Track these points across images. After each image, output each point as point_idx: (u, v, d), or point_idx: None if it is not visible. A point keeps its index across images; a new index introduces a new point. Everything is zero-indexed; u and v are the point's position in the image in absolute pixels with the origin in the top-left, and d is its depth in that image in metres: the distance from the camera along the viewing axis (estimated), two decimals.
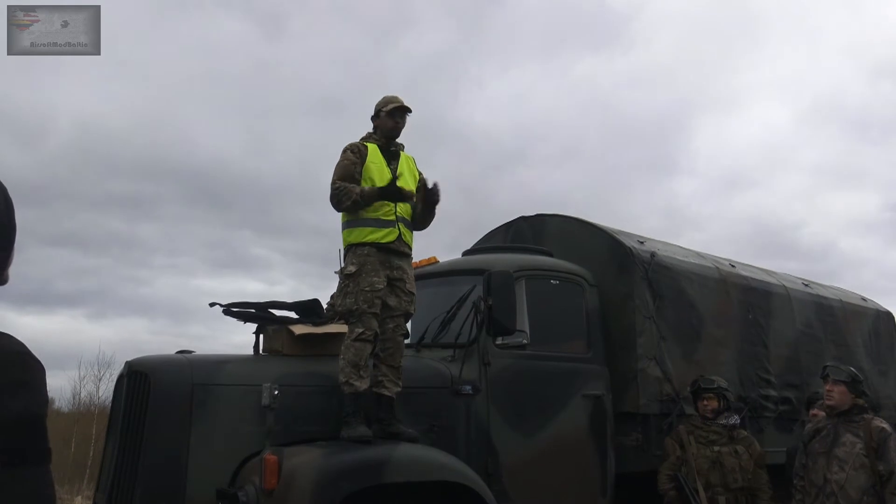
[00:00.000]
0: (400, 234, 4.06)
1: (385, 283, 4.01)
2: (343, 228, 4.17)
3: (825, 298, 7.09)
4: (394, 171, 4.15)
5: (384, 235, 4.03)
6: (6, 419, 1.13)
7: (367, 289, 3.95)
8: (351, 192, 3.99)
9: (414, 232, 4.27)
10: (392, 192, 4.01)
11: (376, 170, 4.10)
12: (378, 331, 4.02)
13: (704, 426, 4.83)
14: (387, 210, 4.05)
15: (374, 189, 4.01)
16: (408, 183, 4.14)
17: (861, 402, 4.40)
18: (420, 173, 4.31)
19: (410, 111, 4.22)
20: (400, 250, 4.09)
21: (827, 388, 4.43)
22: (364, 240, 4.03)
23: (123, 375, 4.08)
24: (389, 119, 4.20)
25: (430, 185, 4.16)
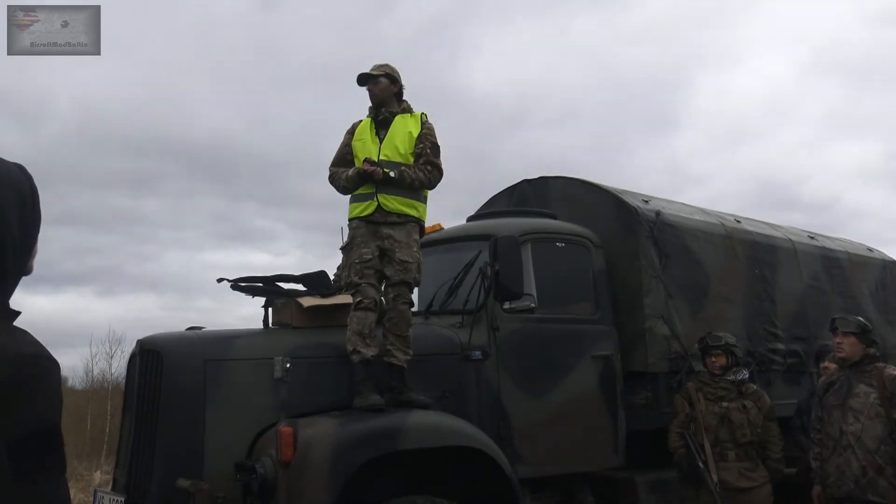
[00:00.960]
0: (379, 204, 4.06)
1: (376, 254, 4.06)
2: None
3: (831, 250, 7.07)
4: (382, 139, 4.15)
5: (364, 209, 4.11)
6: (23, 431, 1.11)
7: (356, 261, 4.05)
8: (340, 178, 4.21)
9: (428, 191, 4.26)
10: (366, 175, 4.03)
11: (361, 146, 4.21)
12: (380, 299, 4.07)
13: (713, 382, 4.85)
14: (367, 184, 4.09)
15: (354, 172, 4.12)
16: (395, 150, 4.11)
17: (872, 351, 4.41)
18: (425, 126, 4.24)
19: (369, 78, 4.21)
20: (384, 220, 4.09)
21: (837, 340, 4.43)
22: (352, 215, 4.18)
23: (136, 354, 4.11)
24: (368, 90, 4.25)
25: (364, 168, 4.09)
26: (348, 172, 4.16)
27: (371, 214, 4.08)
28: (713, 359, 4.89)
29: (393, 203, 4.09)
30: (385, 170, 4.01)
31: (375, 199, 4.07)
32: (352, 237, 4.14)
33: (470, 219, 5.80)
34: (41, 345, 1.19)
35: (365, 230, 4.09)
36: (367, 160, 4.06)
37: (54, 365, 1.19)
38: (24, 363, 1.14)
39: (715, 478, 4.57)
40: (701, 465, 4.60)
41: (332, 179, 4.28)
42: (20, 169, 1.28)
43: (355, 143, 4.23)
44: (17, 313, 1.23)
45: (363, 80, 4.23)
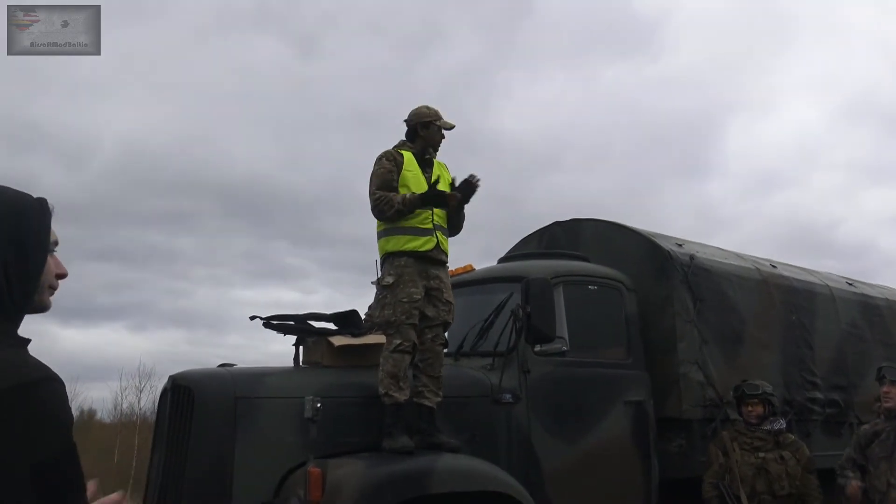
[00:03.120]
0: (438, 242, 4.06)
1: (423, 294, 4.01)
2: (379, 238, 4.18)
3: (870, 297, 6.92)
4: (429, 178, 4.16)
5: (423, 244, 4.03)
6: (42, 459, 1.11)
7: (404, 300, 3.95)
8: (393, 201, 4.00)
9: (449, 239, 4.28)
10: (433, 198, 4.02)
11: (412, 178, 4.12)
12: (416, 341, 4.02)
13: (749, 432, 4.72)
14: (424, 217, 4.06)
15: (416, 196, 4.01)
16: (444, 189, 4.15)
17: None
18: (454, 179, 4.31)
19: (453, 127, 4.31)
20: (438, 258, 4.09)
21: (884, 389, 4.32)
22: (402, 248, 4.04)
23: (167, 389, 4.13)
24: (439, 133, 4.26)
25: (466, 178, 4.17)
26: (406, 195, 4.01)
27: (430, 251, 4.04)
28: (749, 408, 4.76)
29: (445, 243, 4.13)
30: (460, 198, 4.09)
31: (435, 236, 4.06)
32: (399, 274, 4.00)
33: (501, 260, 5.79)
34: (45, 366, 1.21)
35: (413, 268, 4.01)
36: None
37: (60, 384, 1.21)
38: (32, 388, 1.15)
39: None
40: None
41: (383, 201, 4.00)
42: (36, 201, 1.29)
43: (406, 174, 4.12)
44: (28, 340, 1.25)
45: (450, 128, 4.29)
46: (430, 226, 4.05)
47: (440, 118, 4.25)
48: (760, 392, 4.76)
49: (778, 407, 4.92)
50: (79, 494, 1.18)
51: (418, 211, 4.03)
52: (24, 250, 1.24)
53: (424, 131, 4.23)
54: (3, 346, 1.19)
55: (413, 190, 4.06)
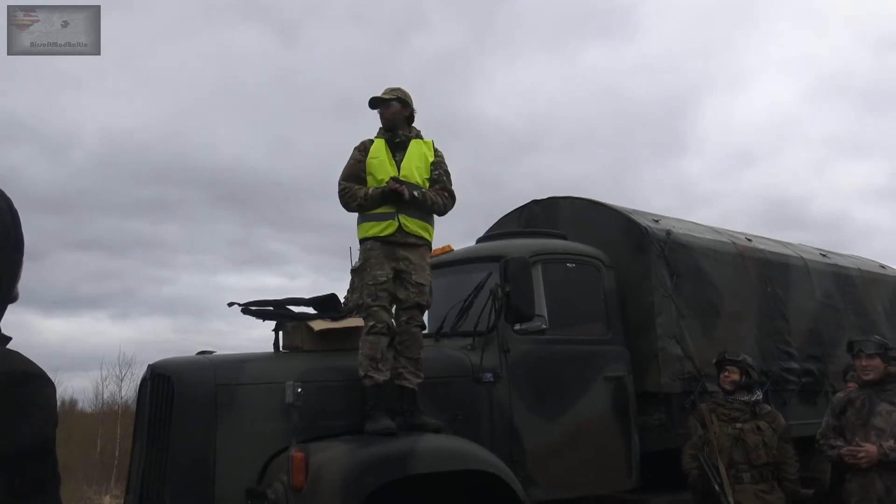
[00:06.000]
0: (400, 225, 4.04)
1: (391, 276, 4.01)
2: (357, 225, 4.21)
3: (844, 268, 7.02)
4: (399, 162, 4.13)
5: (383, 228, 4.04)
6: (17, 448, 1.11)
7: (370, 283, 3.98)
8: (356, 195, 4.07)
9: (437, 217, 4.25)
10: (390, 194, 3.99)
11: (378, 164, 4.12)
12: (392, 323, 4.03)
13: (726, 403, 4.78)
14: (387, 204, 4.04)
15: (377, 191, 4.03)
16: (412, 173, 4.11)
17: (893, 369, 4.37)
18: (437, 153, 4.28)
19: (382, 101, 4.20)
20: (404, 241, 4.06)
21: (863, 363, 4.40)
22: (367, 234, 4.08)
23: (147, 379, 4.10)
24: (380, 113, 4.23)
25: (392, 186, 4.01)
26: (368, 190, 4.06)
27: (391, 235, 4.04)
28: (726, 373, 4.81)
29: (412, 225, 4.07)
30: (412, 192, 4.00)
31: (396, 219, 4.03)
32: (365, 258, 4.05)
33: (480, 240, 5.79)
34: (33, 363, 1.20)
35: (380, 251, 4.02)
36: (393, 179, 4.00)
37: (47, 382, 1.20)
38: (15, 381, 1.15)
39: (731, 500, 4.51)
40: (717, 487, 4.54)
41: (346, 194, 4.11)
42: (6, 197, 1.28)
43: (371, 161, 4.14)
44: (9, 338, 1.24)
45: (374, 103, 4.23)
46: (392, 210, 4.03)
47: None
48: (740, 359, 4.82)
49: (756, 379, 4.99)
50: (50, 491, 1.17)
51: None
52: (6, 246, 1.24)
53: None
54: None
55: (377, 176, 4.08)
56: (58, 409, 1.26)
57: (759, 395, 4.90)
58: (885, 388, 4.33)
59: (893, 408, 4.24)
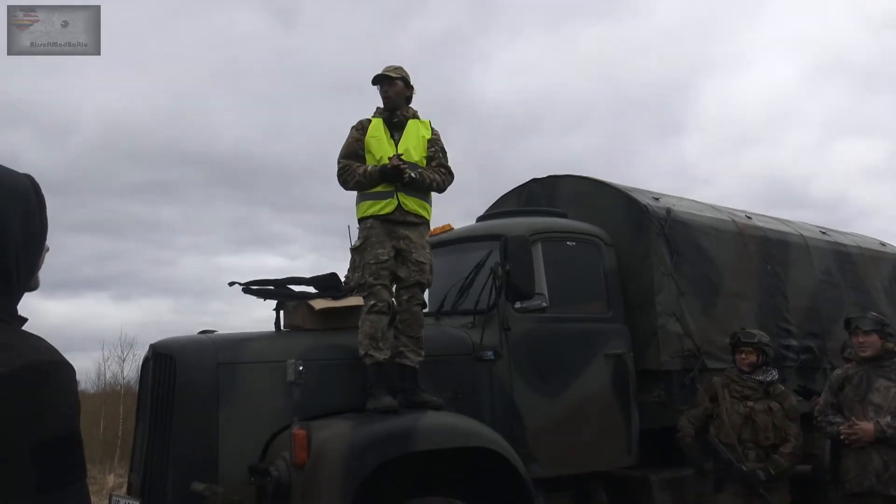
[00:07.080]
0: (399, 203, 4.03)
1: (391, 254, 4.01)
2: (356, 204, 4.20)
3: (843, 245, 7.03)
4: (397, 141, 4.12)
5: (382, 207, 4.03)
6: (45, 440, 1.10)
7: (371, 261, 3.97)
8: (355, 172, 4.05)
9: (436, 194, 4.24)
10: (392, 174, 3.97)
11: (376, 143, 4.11)
12: (392, 301, 4.03)
13: (740, 380, 4.72)
14: (386, 183, 4.03)
15: (376, 169, 4.00)
16: (409, 153, 4.09)
17: (890, 346, 4.39)
18: (434, 131, 4.26)
19: (386, 78, 4.17)
20: (403, 220, 4.06)
21: (860, 340, 4.41)
22: (366, 213, 4.07)
23: (148, 358, 4.12)
24: (381, 91, 4.20)
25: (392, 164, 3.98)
26: (367, 168, 4.04)
27: (391, 213, 4.03)
28: (743, 355, 4.75)
29: (411, 203, 4.06)
30: (410, 171, 3.98)
31: (396, 197, 4.02)
32: (366, 236, 4.04)
33: (479, 219, 5.78)
34: (54, 349, 1.19)
35: (381, 229, 4.02)
36: (395, 156, 3.97)
37: (70, 370, 1.19)
38: (42, 373, 1.13)
39: (745, 468, 4.51)
40: (733, 460, 4.53)
41: (345, 171, 4.08)
42: (29, 179, 1.27)
43: (370, 140, 4.12)
44: (24, 319, 1.23)
45: (378, 80, 4.20)
46: (390, 189, 4.02)
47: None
48: (756, 340, 4.77)
49: (771, 356, 4.92)
50: (79, 480, 1.17)
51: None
52: (32, 229, 1.23)
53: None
54: (11, 326, 1.18)
55: (376, 155, 4.06)
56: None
57: (774, 374, 4.79)
58: (883, 364, 4.35)
59: (891, 384, 4.26)
